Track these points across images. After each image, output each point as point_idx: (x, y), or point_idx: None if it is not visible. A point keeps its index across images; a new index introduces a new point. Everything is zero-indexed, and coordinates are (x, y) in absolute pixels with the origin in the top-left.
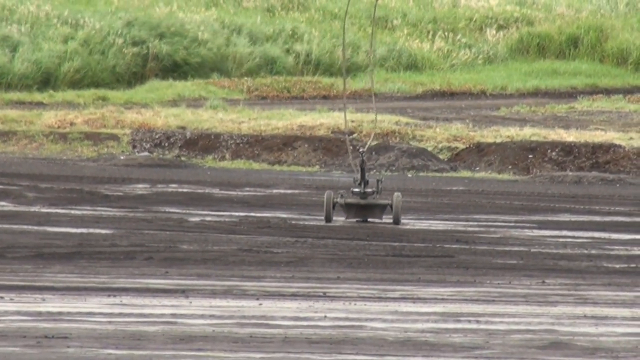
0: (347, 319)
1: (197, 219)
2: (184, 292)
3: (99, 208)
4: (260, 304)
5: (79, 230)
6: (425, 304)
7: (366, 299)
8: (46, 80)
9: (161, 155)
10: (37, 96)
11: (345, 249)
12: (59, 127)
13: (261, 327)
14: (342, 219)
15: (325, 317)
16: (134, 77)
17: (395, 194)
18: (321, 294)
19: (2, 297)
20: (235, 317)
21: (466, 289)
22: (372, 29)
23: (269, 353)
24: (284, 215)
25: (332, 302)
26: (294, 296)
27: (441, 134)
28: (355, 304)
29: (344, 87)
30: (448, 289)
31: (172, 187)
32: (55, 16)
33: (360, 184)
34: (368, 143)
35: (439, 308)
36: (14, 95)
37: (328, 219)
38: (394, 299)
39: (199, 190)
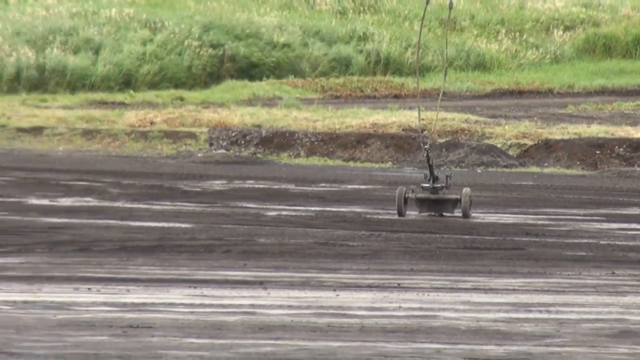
0: (420, 309)
1: (273, 213)
2: (262, 284)
3: (178, 203)
4: (337, 295)
5: (160, 225)
6: (497, 295)
7: (439, 289)
8: (127, 81)
9: (238, 153)
10: (119, 96)
11: (417, 241)
12: (139, 126)
13: (338, 317)
14: (415, 213)
15: (400, 307)
16: (210, 77)
17: (465, 189)
18: (395, 285)
19: (89, 289)
20: (313, 307)
21: (536, 280)
22: (446, 31)
23: (346, 342)
24: (359, 210)
25: (406, 292)
26: (369, 287)
27: (510, 131)
28: (428, 295)
29: (417, 86)
30: (519, 280)
31: (249, 183)
32: (135, 20)
33: (429, 180)
34: (430, 141)
35: (510, 298)
36: (97, 96)
37: (400, 213)
38: (466, 290)
39: (275, 186)
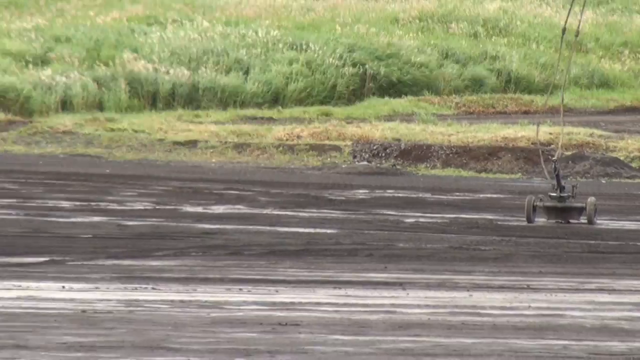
0: (548, 308)
1: (412, 220)
2: (401, 285)
3: (323, 211)
4: (471, 295)
5: (306, 230)
6: (620, 295)
7: (565, 290)
8: (275, 98)
9: (379, 164)
10: (268, 112)
11: (545, 246)
12: (287, 139)
13: (472, 316)
14: (543, 220)
15: (529, 306)
16: (353, 94)
17: (590, 198)
18: (525, 286)
19: (240, 289)
20: (448, 306)
21: None
22: (570, 55)
23: (479, 338)
24: (490, 217)
25: (535, 293)
26: (500, 288)
27: (632, 145)
28: (555, 295)
29: (545, 103)
30: None
31: (389, 192)
32: (282, 41)
33: (556, 189)
34: (557, 153)
35: (633, 298)
36: (248, 112)
37: (529, 220)
38: (591, 291)
39: (413, 195)
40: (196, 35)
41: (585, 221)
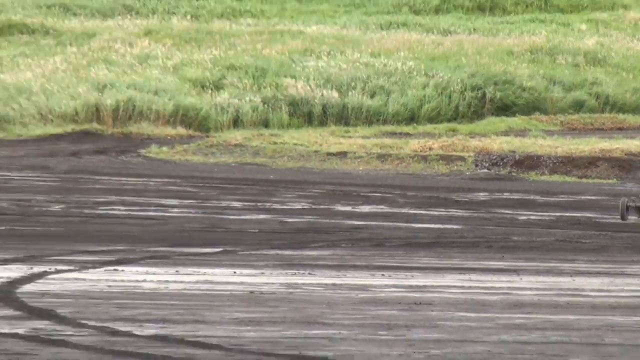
0: None
1: (524, 217)
2: (515, 271)
3: (450, 210)
4: (574, 280)
5: (436, 226)
6: None
7: None
8: (411, 117)
9: (497, 172)
10: (405, 128)
11: (637, 239)
12: (420, 151)
13: (574, 297)
14: (635, 218)
15: (623, 289)
16: (474, 114)
17: None
18: (620, 272)
19: (382, 274)
20: (555, 289)
21: None
22: None
23: (580, 315)
24: (590, 215)
25: (629, 278)
26: (598, 274)
27: None
28: None
29: None
30: None
31: (505, 195)
32: (416, 70)
33: None
34: None
35: None
36: (388, 128)
37: (623, 217)
38: None
39: (525, 197)
40: (346, 65)
41: None
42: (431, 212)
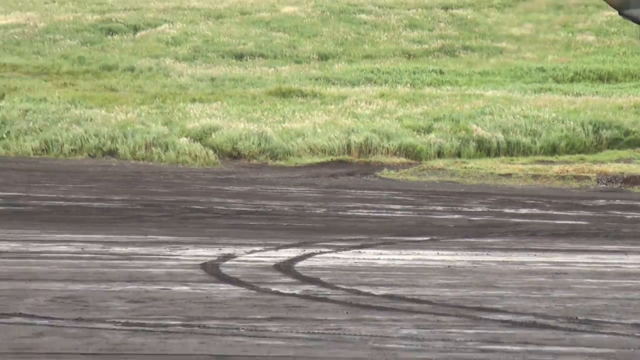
0: None
1: (630, 216)
2: (624, 252)
3: (581, 212)
4: None
5: (571, 222)
6: None
7: None
8: (553, 150)
9: (611, 187)
10: (549, 158)
11: None
12: (560, 173)
13: None
14: None
15: None
16: (596, 148)
17: None
18: None
19: (535, 254)
20: None
21: None
22: None
23: None
24: None
25: None
26: None
27: None
28: None
29: None
30: None
31: (617, 202)
32: (557, 119)
33: None
34: None
35: None
36: (538, 158)
37: None
38: None
39: (631, 203)
40: (511, 116)
41: None
42: (567, 213)
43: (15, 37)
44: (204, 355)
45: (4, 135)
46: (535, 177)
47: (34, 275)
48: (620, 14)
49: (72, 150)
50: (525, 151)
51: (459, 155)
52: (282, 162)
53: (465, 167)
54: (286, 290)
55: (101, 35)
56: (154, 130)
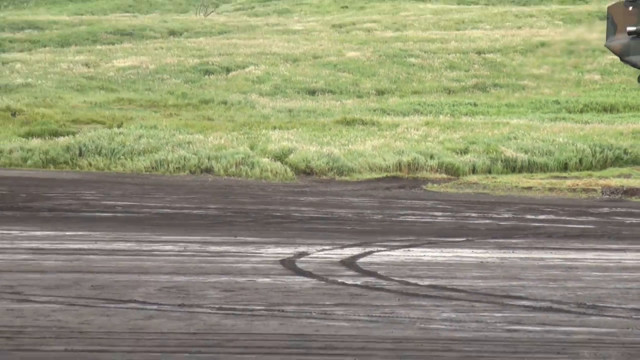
0: None
1: (629, 221)
2: (624, 250)
3: (589, 217)
4: None
5: (580, 226)
6: None
7: None
8: (565, 167)
9: (614, 197)
10: (563, 174)
11: None
12: (572, 186)
13: None
14: None
15: None
16: (601, 166)
17: None
18: None
19: (551, 252)
20: None
21: None
22: None
23: None
24: None
25: None
26: None
27: None
28: None
29: None
30: None
31: (619, 209)
32: (569, 142)
33: None
34: None
35: None
36: (554, 174)
37: None
38: None
39: (630, 210)
40: (530, 140)
41: None
42: (577, 219)
43: (131, 76)
44: (282, 334)
45: (122, 156)
46: (551, 189)
47: (146, 269)
48: (621, 59)
49: (176, 168)
50: (543, 168)
51: (489, 171)
52: (347, 178)
53: (495, 182)
54: (349, 281)
55: (200, 75)
56: (242, 152)
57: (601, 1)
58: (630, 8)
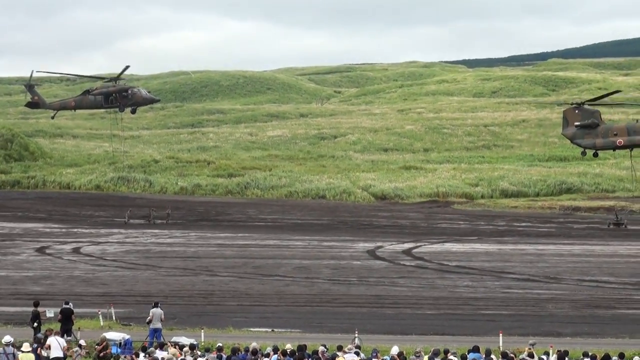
0: None
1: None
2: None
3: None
4: None
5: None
6: None
7: None
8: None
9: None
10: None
11: None
12: (537, 208)
13: None
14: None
15: None
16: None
17: None
18: None
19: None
20: None
21: None
22: None
23: None
24: None
25: None
26: None
27: None
28: None
29: None
30: None
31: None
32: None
33: None
34: None
35: None
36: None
37: None
38: None
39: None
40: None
41: None
42: (544, 225)
43: (277, 141)
44: (368, 295)
45: (271, 188)
46: (529, 208)
47: (285, 256)
48: (571, 142)
49: (303, 195)
50: (524, 195)
51: (491, 197)
52: (405, 201)
53: (495, 203)
54: (407, 263)
55: (317, 140)
56: (343, 185)
57: (560, 95)
58: (577, 111)
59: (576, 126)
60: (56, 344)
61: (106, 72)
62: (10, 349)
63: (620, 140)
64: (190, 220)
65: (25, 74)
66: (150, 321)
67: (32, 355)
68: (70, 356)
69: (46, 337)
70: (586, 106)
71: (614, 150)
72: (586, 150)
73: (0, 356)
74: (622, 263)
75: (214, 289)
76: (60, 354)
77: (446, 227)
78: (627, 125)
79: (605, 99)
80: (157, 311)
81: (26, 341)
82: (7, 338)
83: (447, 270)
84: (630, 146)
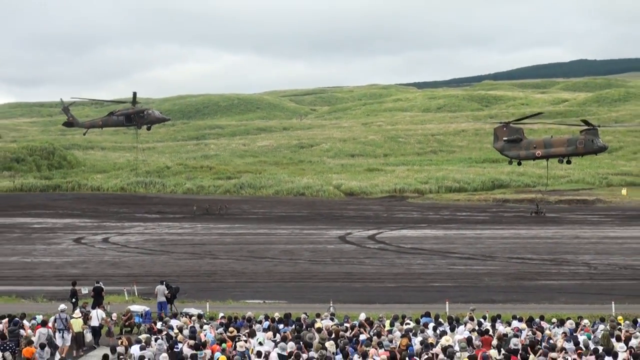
0: None
1: None
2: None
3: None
4: None
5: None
6: None
7: None
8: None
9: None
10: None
11: None
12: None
13: None
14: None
15: None
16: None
17: None
18: None
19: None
20: None
21: None
22: None
23: None
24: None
25: None
26: None
27: None
28: None
29: None
30: None
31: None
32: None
33: None
34: None
35: None
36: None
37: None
38: None
39: None
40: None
41: None
42: (481, 214)
43: (265, 150)
44: (339, 272)
45: (261, 188)
46: (468, 200)
47: (272, 242)
48: (501, 153)
49: (287, 193)
50: (465, 190)
51: (438, 192)
52: (370, 196)
53: (441, 197)
54: (372, 246)
55: (297, 148)
56: (318, 184)
57: (492, 110)
58: (504, 128)
59: (504, 140)
60: (95, 315)
61: (126, 97)
62: (64, 315)
63: (539, 152)
64: (235, 214)
65: (63, 99)
66: (156, 295)
67: (80, 321)
68: (106, 325)
69: (87, 310)
70: (512, 125)
71: (534, 160)
72: (512, 160)
73: (56, 320)
74: (542, 244)
75: (217, 269)
76: (97, 324)
77: (402, 217)
78: (544, 140)
79: (526, 120)
80: (160, 287)
81: (76, 309)
82: (62, 306)
83: (404, 252)
84: (546, 157)
